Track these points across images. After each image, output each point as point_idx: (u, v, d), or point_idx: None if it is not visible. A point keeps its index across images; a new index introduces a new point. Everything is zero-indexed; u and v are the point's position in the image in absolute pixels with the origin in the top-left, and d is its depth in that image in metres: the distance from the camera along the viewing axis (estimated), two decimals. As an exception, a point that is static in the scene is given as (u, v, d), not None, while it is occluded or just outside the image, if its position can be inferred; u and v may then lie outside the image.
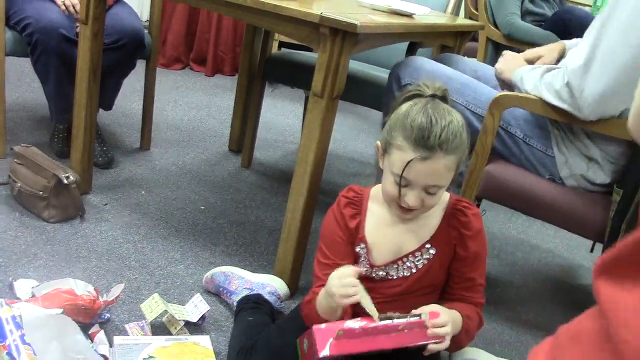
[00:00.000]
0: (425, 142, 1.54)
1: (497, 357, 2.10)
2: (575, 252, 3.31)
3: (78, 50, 2.51)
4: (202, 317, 2.02)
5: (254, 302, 2.04)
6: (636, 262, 0.63)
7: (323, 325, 1.55)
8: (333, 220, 1.79)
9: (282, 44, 5.15)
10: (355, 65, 3.10)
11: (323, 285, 1.67)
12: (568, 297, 2.86)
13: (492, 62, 3.24)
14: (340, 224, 1.77)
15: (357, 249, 1.77)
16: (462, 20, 3.46)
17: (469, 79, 2.41)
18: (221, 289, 2.16)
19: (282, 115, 4.58)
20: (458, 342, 1.69)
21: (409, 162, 1.55)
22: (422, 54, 3.24)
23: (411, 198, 1.61)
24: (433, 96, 1.64)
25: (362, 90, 2.94)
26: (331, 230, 1.79)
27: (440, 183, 1.60)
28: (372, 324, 1.54)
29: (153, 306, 1.95)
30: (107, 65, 2.69)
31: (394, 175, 1.62)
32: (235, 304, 2.08)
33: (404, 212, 1.67)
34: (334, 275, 1.61)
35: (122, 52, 2.83)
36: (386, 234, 1.76)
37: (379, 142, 1.71)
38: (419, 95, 1.66)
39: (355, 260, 1.78)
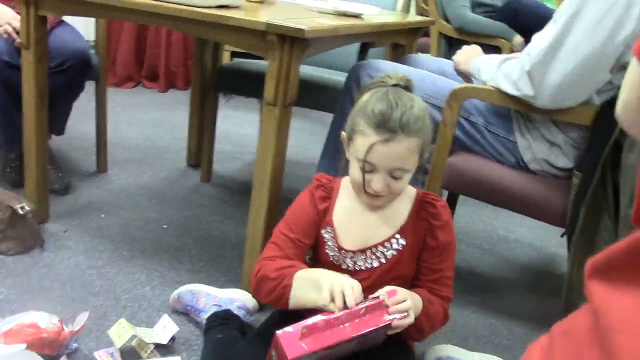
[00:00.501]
0: (386, 124, 1.57)
1: (472, 351, 2.09)
2: (545, 240, 3.32)
3: (22, 76, 2.44)
4: (172, 338, 1.99)
5: (222, 319, 2.01)
6: (629, 265, 0.62)
7: (287, 329, 1.53)
8: (305, 198, 1.83)
9: (234, 54, 5.11)
10: (308, 70, 3.08)
11: (283, 257, 1.73)
12: (541, 285, 2.86)
13: (447, 57, 3.25)
14: (311, 203, 1.80)
15: (324, 233, 1.79)
16: (412, 17, 3.45)
17: (427, 73, 2.44)
18: (189, 307, 2.13)
19: (238, 125, 4.54)
20: (420, 326, 1.68)
21: (371, 146, 1.58)
22: (374, 54, 3.23)
23: (377, 183, 1.63)
24: (396, 85, 1.68)
25: (317, 95, 2.92)
26: (301, 207, 1.82)
27: (405, 166, 1.62)
28: (334, 315, 1.52)
29: (121, 331, 1.90)
30: (55, 89, 2.64)
31: (358, 161, 1.64)
32: (204, 321, 2.05)
33: (372, 199, 1.69)
34: (345, 281, 1.58)
35: (69, 74, 2.78)
36: (354, 222, 1.78)
37: (344, 133, 1.73)
38: (382, 84, 1.69)
39: (316, 243, 1.81)
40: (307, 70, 3.08)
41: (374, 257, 1.75)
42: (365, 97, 1.68)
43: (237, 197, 3.23)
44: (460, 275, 2.68)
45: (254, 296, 2.08)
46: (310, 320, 1.53)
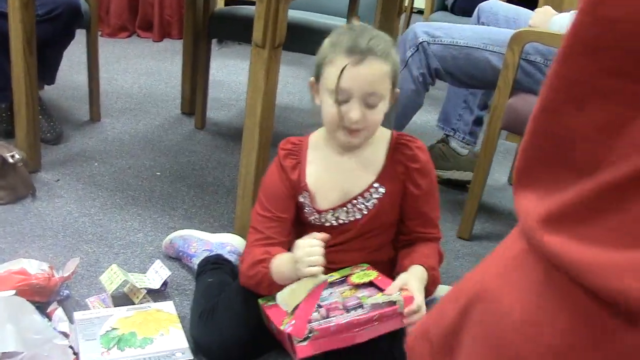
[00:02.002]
0: (356, 47, 1.55)
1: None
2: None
3: (9, 23, 2.41)
4: (165, 283, 1.98)
5: (213, 263, 2.01)
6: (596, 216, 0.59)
7: (299, 324, 1.54)
8: (274, 173, 1.77)
9: (228, 2, 5.05)
10: (302, 15, 3.04)
11: (265, 239, 1.70)
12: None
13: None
14: (282, 176, 1.75)
15: (301, 199, 1.75)
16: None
17: (482, 27, 2.73)
18: (181, 253, 2.12)
19: (233, 73, 4.50)
20: (426, 293, 1.66)
21: (343, 69, 1.55)
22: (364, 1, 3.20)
23: (353, 112, 1.58)
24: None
25: (308, 39, 2.87)
26: (272, 183, 1.77)
27: (379, 90, 1.59)
28: (346, 320, 1.52)
29: (112, 277, 1.90)
30: (44, 38, 2.61)
31: (331, 94, 1.60)
32: (196, 266, 2.04)
33: (350, 135, 1.64)
34: (301, 243, 1.59)
35: (58, 22, 2.74)
36: (330, 179, 1.74)
37: (312, 78, 1.70)
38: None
39: (295, 214, 1.78)
40: (300, 14, 3.04)
41: (355, 209, 1.73)
42: (333, 34, 1.65)
43: (231, 144, 3.21)
44: (447, 214, 2.67)
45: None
46: (323, 322, 1.54)
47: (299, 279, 1.60)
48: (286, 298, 1.61)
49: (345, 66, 1.55)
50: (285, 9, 1.96)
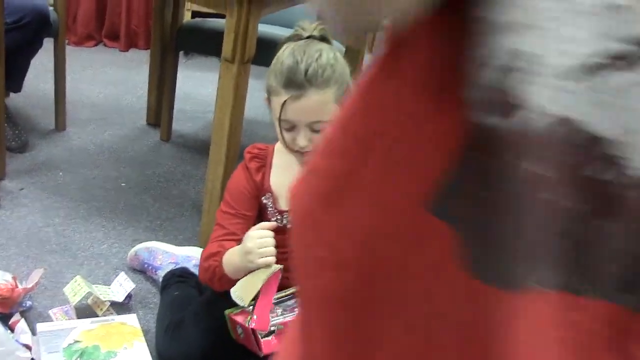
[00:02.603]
0: (294, 80, 1.58)
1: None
2: None
3: (-23, 32, 2.40)
4: (129, 296, 1.98)
5: (179, 276, 2.01)
6: None
7: (255, 317, 1.57)
8: (240, 174, 1.83)
9: (195, 14, 5.05)
10: (271, 29, 3.06)
11: (228, 235, 1.73)
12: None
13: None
14: (247, 177, 1.80)
15: (264, 200, 1.80)
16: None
17: None
18: (146, 265, 2.12)
19: (200, 85, 4.49)
20: None
21: (283, 104, 1.60)
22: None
23: (299, 140, 1.64)
24: (310, 37, 1.68)
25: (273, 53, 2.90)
26: (237, 183, 1.82)
27: (322, 118, 1.61)
28: None
29: (76, 289, 1.89)
30: (11, 46, 2.59)
31: (277, 121, 1.65)
32: (161, 279, 2.05)
33: (302, 157, 1.68)
34: (252, 234, 1.61)
35: (26, 30, 2.73)
36: (292, 181, 1.75)
37: (265, 95, 1.74)
38: (298, 37, 1.70)
39: (258, 212, 1.83)
40: (268, 29, 3.06)
41: None
42: (278, 53, 1.69)
43: (196, 156, 3.21)
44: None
45: None
46: (289, 317, 1.58)
47: (251, 272, 1.62)
48: (240, 292, 1.63)
49: (286, 101, 1.60)
50: (255, 24, 1.97)
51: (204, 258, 1.75)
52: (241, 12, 1.91)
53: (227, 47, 1.96)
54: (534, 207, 0.54)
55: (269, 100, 1.71)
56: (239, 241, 1.71)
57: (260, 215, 1.83)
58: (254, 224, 1.78)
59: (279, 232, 1.72)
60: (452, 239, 0.59)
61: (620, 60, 0.49)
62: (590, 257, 0.55)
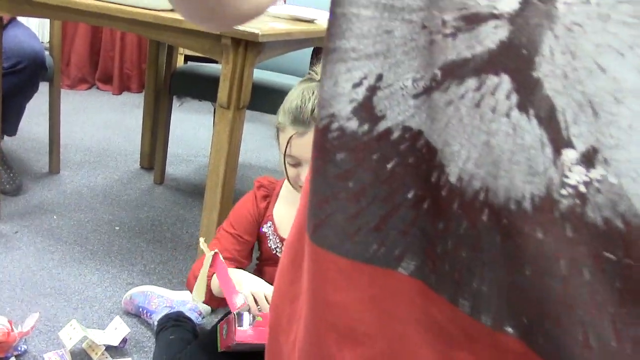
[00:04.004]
0: (300, 118, 1.66)
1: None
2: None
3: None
4: (124, 340, 1.99)
5: (174, 320, 2.02)
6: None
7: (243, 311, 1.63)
8: (247, 199, 1.93)
9: (188, 58, 5.09)
10: (262, 74, 3.10)
11: (222, 251, 1.77)
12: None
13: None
14: (252, 202, 1.90)
15: (265, 229, 1.87)
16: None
17: None
18: (141, 309, 2.13)
19: (192, 129, 4.53)
20: None
21: (289, 140, 1.68)
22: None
23: (303, 175, 1.71)
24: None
25: (270, 99, 2.93)
26: (243, 206, 1.92)
27: None
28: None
29: (71, 333, 1.90)
30: (8, 90, 2.62)
31: (283, 157, 1.74)
32: (156, 323, 2.05)
33: None
34: (254, 283, 1.67)
35: (23, 75, 2.76)
36: (293, 212, 1.79)
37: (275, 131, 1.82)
38: (311, 80, 1.77)
39: (260, 240, 1.92)
40: (260, 74, 3.10)
41: None
42: (289, 92, 1.77)
43: (189, 200, 3.24)
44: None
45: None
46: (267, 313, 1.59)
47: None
48: (195, 293, 1.72)
49: (292, 137, 1.68)
50: (250, 71, 2.00)
51: (197, 264, 1.82)
52: (237, 59, 1.95)
53: (222, 93, 1.99)
54: (389, 197, 0.64)
55: (277, 136, 1.78)
56: (230, 259, 1.80)
57: (260, 244, 1.91)
58: (250, 252, 1.90)
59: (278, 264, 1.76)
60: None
61: (440, 84, 0.58)
62: (429, 250, 0.64)
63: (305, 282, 0.74)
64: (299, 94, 1.71)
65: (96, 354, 1.93)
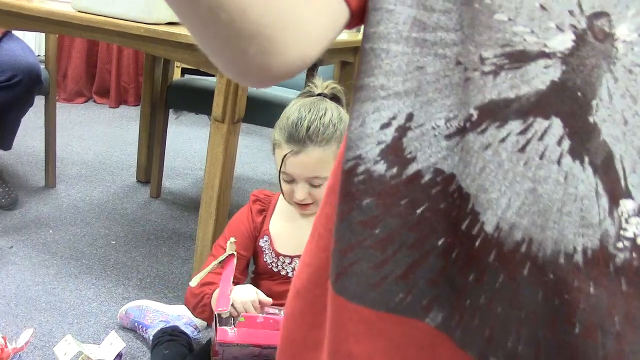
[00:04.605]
0: (295, 136, 1.66)
1: None
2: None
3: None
4: (119, 355, 1.97)
5: (170, 335, 2.01)
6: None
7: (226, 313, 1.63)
8: (243, 213, 1.91)
9: (185, 70, 5.10)
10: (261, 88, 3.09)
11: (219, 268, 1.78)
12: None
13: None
14: (248, 217, 1.88)
15: (261, 243, 1.86)
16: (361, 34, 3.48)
17: None
18: (136, 323, 2.12)
19: (189, 142, 4.53)
20: None
21: (284, 158, 1.68)
22: (323, 71, 3.25)
23: (298, 193, 1.71)
24: (320, 94, 1.76)
25: (266, 112, 2.93)
26: (238, 221, 1.90)
27: (321, 174, 1.69)
28: (277, 316, 1.58)
29: (66, 348, 1.89)
30: (3, 104, 2.63)
31: (279, 173, 1.74)
32: (151, 338, 2.04)
33: (301, 208, 1.77)
34: (240, 299, 1.67)
35: (18, 89, 2.76)
36: (291, 228, 1.86)
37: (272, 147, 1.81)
38: (309, 94, 1.73)
39: (255, 255, 1.90)
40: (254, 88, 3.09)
41: None
42: (287, 108, 1.76)
43: (185, 214, 3.23)
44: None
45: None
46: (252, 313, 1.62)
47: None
48: (195, 278, 1.76)
49: (286, 155, 1.67)
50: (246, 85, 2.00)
51: (199, 284, 1.79)
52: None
53: (217, 107, 1.99)
54: (418, 244, 0.60)
55: (273, 152, 1.77)
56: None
57: (256, 258, 1.90)
58: (247, 267, 1.89)
59: (274, 278, 1.76)
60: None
61: (476, 125, 0.54)
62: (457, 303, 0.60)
63: (327, 332, 0.70)
64: (296, 110, 1.71)
65: (91, 369, 1.92)
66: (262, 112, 2.92)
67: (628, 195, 0.49)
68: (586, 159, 0.51)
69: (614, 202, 0.50)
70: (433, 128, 0.57)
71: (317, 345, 0.73)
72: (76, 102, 5.21)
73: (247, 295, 1.68)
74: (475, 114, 0.54)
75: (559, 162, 0.51)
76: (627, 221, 0.50)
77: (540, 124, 0.52)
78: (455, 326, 0.60)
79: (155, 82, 3.31)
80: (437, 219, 0.59)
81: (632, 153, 0.49)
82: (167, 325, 2.06)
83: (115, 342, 1.98)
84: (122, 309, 2.18)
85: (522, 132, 0.52)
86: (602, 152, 0.50)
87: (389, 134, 0.59)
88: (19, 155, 3.61)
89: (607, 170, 0.50)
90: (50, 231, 2.81)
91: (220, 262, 1.73)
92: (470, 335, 0.59)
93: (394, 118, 0.59)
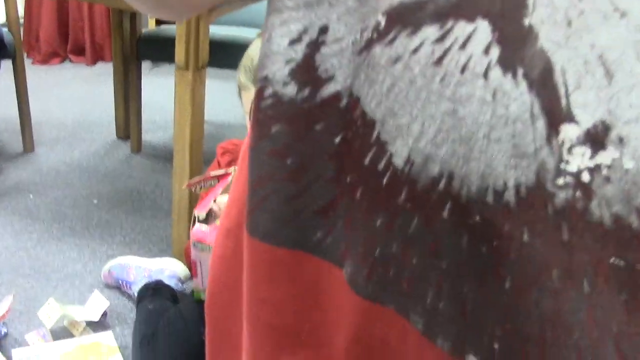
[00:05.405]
0: None
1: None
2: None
3: None
4: (104, 314, 1.97)
5: (153, 289, 2.00)
6: None
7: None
8: (212, 166, 1.89)
9: (159, 22, 5.01)
10: (220, 30, 3.03)
11: None
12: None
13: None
14: (216, 168, 1.83)
15: None
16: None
17: None
18: (120, 281, 2.11)
19: (168, 94, 4.42)
20: None
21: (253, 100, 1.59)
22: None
23: None
24: None
25: (231, 55, 2.88)
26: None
27: None
28: None
29: (50, 312, 1.88)
30: (-33, 72, 2.58)
31: (248, 115, 1.65)
32: (135, 294, 2.03)
33: None
34: (222, 197, 1.69)
35: (-20, 56, 2.71)
36: None
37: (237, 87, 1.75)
38: None
39: None
40: (218, 30, 3.04)
41: None
42: (248, 49, 1.68)
43: (168, 166, 3.18)
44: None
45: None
46: None
47: None
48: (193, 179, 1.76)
49: None
50: (206, 28, 1.95)
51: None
52: (190, 18, 1.89)
53: (179, 54, 1.94)
54: (337, 177, 0.52)
55: (239, 95, 1.72)
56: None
57: None
58: None
59: None
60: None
61: (383, 35, 0.45)
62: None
63: (244, 277, 0.62)
64: (257, 47, 1.65)
65: (77, 330, 1.91)
66: (228, 55, 2.86)
67: (570, 118, 0.39)
68: (519, 71, 0.40)
69: (553, 127, 0.40)
70: (353, 43, 0.48)
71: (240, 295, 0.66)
72: (52, 64, 5.14)
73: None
74: (382, 20, 0.45)
75: (485, 76, 0.41)
76: (569, 151, 0.40)
77: (462, 28, 0.42)
78: (365, 280, 0.52)
79: (125, 36, 3.25)
80: (347, 150, 0.50)
81: (576, 63, 0.39)
82: (151, 280, 2.04)
83: (100, 301, 1.97)
84: (105, 267, 2.16)
85: (439, 39, 0.43)
86: (539, 63, 0.40)
87: (299, 50, 0.50)
88: (-5, 122, 3.57)
89: (545, 85, 0.40)
90: (31, 196, 2.78)
91: (216, 177, 1.70)
92: (386, 289, 0.50)
93: (304, 32, 0.50)
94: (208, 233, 1.58)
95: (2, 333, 1.87)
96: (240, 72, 1.67)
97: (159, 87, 4.49)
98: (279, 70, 0.51)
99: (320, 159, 0.52)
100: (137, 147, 3.36)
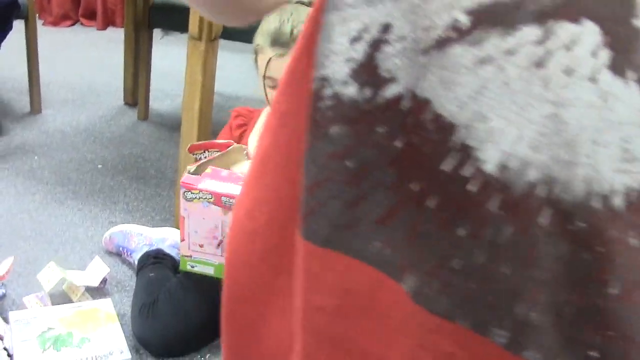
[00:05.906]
0: (279, 39, 1.67)
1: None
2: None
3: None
4: (104, 280, 1.96)
5: (154, 258, 1.99)
6: None
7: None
8: (223, 130, 1.98)
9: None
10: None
11: None
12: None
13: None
14: (227, 132, 1.94)
15: None
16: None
17: None
18: (121, 248, 2.10)
19: (177, 63, 4.41)
20: None
21: (268, 61, 1.69)
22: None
23: None
24: (298, 2, 1.74)
25: (249, 27, 2.86)
26: (219, 137, 1.94)
27: None
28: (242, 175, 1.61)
29: (50, 275, 1.87)
30: (-20, 30, 2.56)
31: (262, 79, 1.74)
32: (136, 262, 2.03)
33: None
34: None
35: (-6, 13, 2.69)
36: None
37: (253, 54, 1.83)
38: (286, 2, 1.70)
39: None
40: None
41: None
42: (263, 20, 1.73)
43: (174, 135, 3.17)
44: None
45: None
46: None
47: None
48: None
49: (270, 59, 1.68)
50: (222, -1, 1.94)
51: None
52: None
53: (193, 24, 1.93)
54: (397, 185, 0.50)
55: (255, 59, 1.78)
56: None
57: None
58: None
59: None
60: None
61: (466, 34, 0.44)
62: (440, 268, 0.49)
63: (296, 282, 0.59)
64: (277, 16, 1.69)
65: (76, 295, 1.90)
66: (247, 29, 2.85)
67: None
68: (630, 75, 0.40)
69: None
70: (415, 41, 0.46)
71: (282, 292, 0.62)
72: (62, 26, 5.12)
73: None
74: (464, 19, 0.44)
75: (593, 79, 0.40)
76: None
77: (566, 29, 0.41)
78: (437, 293, 0.49)
79: (138, 2, 3.23)
80: (414, 155, 0.48)
81: None
82: (152, 249, 2.04)
83: (100, 267, 1.96)
84: (106, 234, 2.16)
85: (540, 41, 0.41)
86: None
87: (360, 49, 0.48)
88: (3, 81, 3.55)
89: None
90: (36, 157, 2.77)
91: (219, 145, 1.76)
92: (463, 302, 0.48)
93: (365, 30, 0.48)
94: (196, 180, 1.59)
95: (1, 294, 1.87)
96: (258, 36, 1.74)
97: (168, 55, 4.46)
98: (339, 70, 0.49)
99: (380, 164, 0.50)
100: (144, 115, 3.35)
